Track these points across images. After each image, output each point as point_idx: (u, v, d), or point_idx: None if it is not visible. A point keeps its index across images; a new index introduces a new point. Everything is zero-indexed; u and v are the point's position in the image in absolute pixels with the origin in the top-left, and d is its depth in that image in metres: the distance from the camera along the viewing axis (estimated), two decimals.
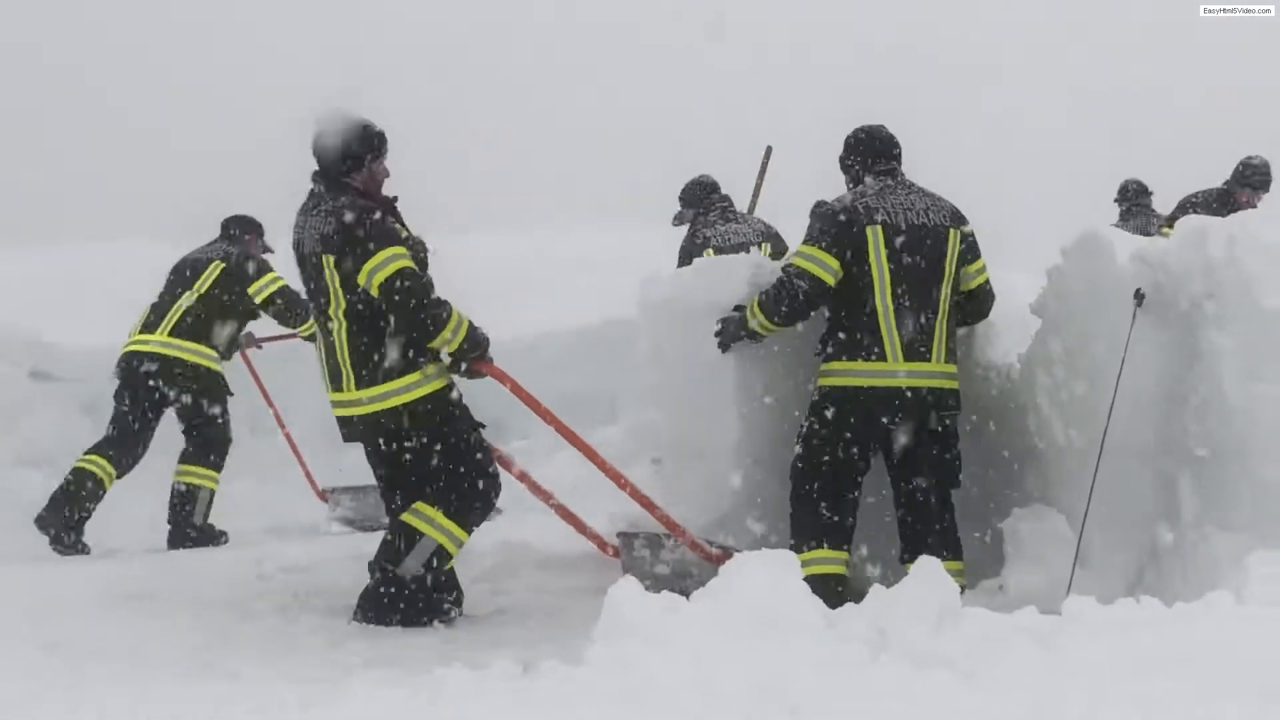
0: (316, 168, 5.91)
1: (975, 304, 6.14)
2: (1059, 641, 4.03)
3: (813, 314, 5.99)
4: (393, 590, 5.76)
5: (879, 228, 5.79)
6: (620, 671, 3.91)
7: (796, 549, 5.61)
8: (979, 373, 6.39)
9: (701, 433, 6.46)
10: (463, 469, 5.86)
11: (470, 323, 5.82)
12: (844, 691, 3.79)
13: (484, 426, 6.04)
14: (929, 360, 5.80)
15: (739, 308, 6.15)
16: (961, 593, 4.79)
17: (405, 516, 5.83)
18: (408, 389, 5.76)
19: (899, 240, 5.80)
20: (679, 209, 9.37)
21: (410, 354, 5.75)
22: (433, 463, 5.85)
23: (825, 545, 5.75)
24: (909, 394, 5.76)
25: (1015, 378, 6.35)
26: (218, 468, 8.31)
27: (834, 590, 5.50)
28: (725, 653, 3.96)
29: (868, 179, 5.99)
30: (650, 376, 6.96)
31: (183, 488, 8.21)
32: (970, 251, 6.03)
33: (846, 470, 5.83)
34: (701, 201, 9.17)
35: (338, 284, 5.73)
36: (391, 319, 5.72)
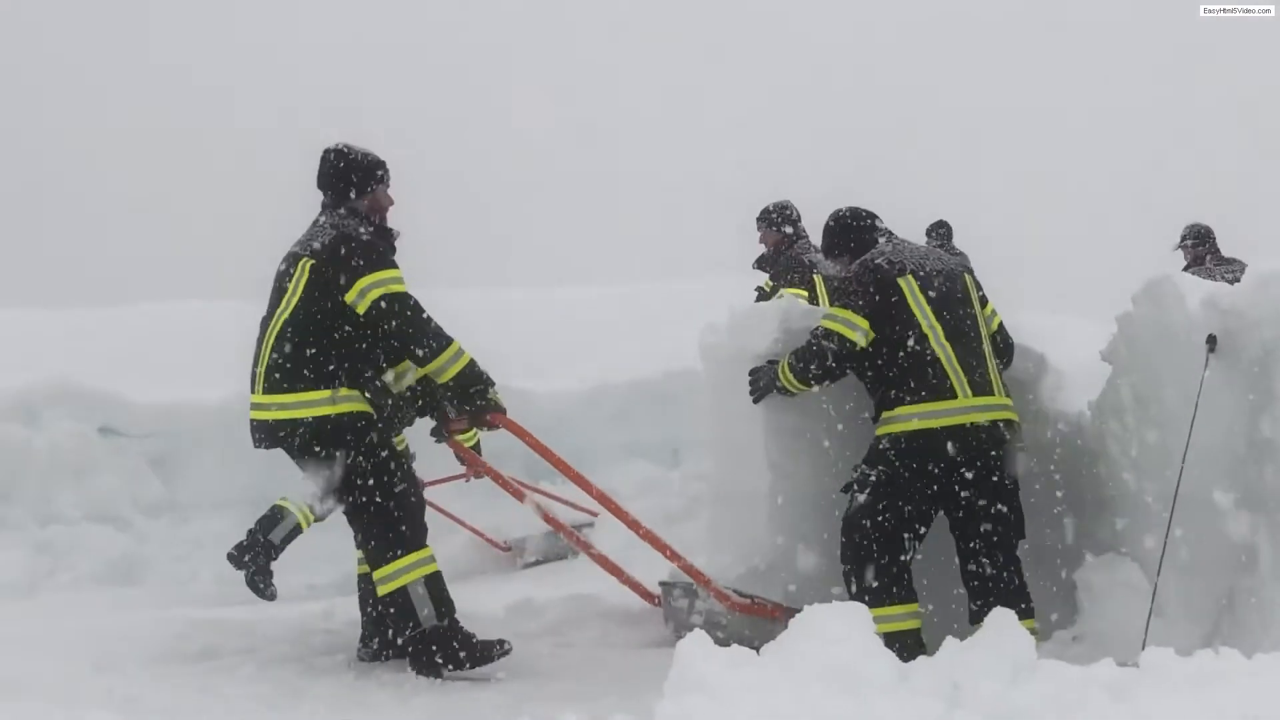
0: (323, 197, 5.99)
1: (999, 348, 6.08)
2: (1136, 694, 3.97)
3: (842, 376, 5.92)
4: (434, 645, 5.76)
5: (910, 276, 5.76)
6: None
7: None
8: (1049, 421, 6.33)
9: (740, 480, 6.42)
10: (365, 499, 5.79)
11: (473, 359, 5.84)
12: None
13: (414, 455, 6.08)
14: (993, 394, 5.75)
15: (772, 361, 6.12)
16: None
17: (380, 591, 5.81)
18: (307, 405, 5.72)
19: (931, 288, 5.77)
20: (762, 244, 9.12)
21: (324, 372, 5.70)
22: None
23: (896, 601, 5.62)
24: (983, 428, 5.68)
25: (1086, 426, 6.29)
26: None
27: (908, 649, 5.39)
28: (795, 708, 3.92)
29: (880, 241, 5.98)
30: (708, 423, 6.93)
31: None
32: (982, 294, 6.02)
33: (915, 519, 5.71)
34: (794, 226, 9.03)
35: (301, 287, 5.74)
36: (339, 335, 5.69)
